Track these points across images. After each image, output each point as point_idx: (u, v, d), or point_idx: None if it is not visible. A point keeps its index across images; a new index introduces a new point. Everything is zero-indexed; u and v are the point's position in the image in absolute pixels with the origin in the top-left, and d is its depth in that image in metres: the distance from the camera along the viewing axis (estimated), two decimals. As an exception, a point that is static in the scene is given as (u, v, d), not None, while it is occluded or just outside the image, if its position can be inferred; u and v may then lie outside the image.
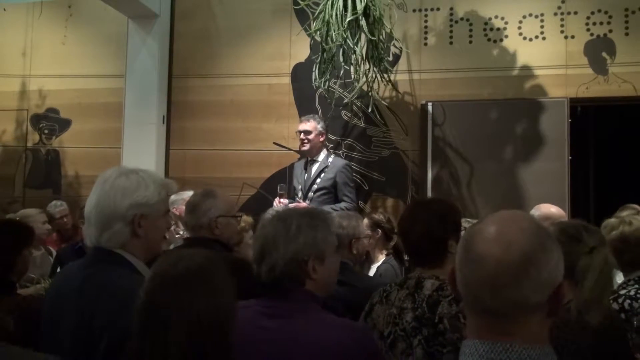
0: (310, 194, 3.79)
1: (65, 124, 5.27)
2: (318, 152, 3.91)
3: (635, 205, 3.95)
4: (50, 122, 5.29)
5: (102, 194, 1.42)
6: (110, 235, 1.41)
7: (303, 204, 3.62)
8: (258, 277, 1.37)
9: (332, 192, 3.78)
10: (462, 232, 1.54)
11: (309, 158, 3.92)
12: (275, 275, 1.33)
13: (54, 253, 3.75)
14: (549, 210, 3.05)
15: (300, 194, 3.86)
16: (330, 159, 3.89)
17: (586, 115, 4.94)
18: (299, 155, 4.00)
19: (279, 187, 3.82)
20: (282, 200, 3.71)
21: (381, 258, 3.18)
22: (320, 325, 1.31)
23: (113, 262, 1.41)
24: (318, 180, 3.82)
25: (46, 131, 5.29)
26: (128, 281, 1.36)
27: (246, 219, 2.61)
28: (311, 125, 3.86)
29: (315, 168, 3.86)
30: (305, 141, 3.84)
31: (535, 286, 0.83)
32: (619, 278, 2.12)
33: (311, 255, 1.34)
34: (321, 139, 3.88)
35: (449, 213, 1.71)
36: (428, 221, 1.65)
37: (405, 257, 4.05)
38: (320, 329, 1.30)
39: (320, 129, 3.86)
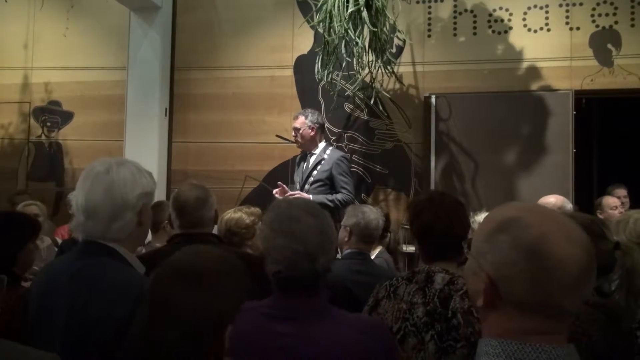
0: (307, 186, 3.79)
1: (67, 116, 5.23)
2: (314, 145, 3.88)
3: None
4: (52, 114, 5.26)
5: (110, 186, 1.39)
6: (121, 226, 1.39)
7: (302, 194, 3.62)
8: (312, 272, 1.26)
9: (328, 184, 3.77)
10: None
11: (307, 151, 3.92)
12: (325, 270, 1.28)
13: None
14: (548, 200, 3.06)
15: (297, 186, 3.86)
16: (327, 152, 3.87)
17: (591, 107, 4.90)
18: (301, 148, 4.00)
19: (289, 187, 3.87)
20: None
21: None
22: (340, 326, 1.25)
23: (105, 255, 1.39)
24: (314, 172, 3.81)
25: (49, 124, 5.26)
26: (121, 273, 1.34)
27: (255, 211, 2.59)
28: (299, 121, 3.86)
29: (312, 160, 3.86)
30: (298, 137, 3.86)
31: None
32: None
33: None
34: (312, 133, 3.84)
35: (464, 209, 1.71)
36: (452, 217, 1.63)
37: (404, 248, 4.06)
38: (340, 330, 1.23)
39: (310, 124, 3.83)
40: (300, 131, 3.83)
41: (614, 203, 3.94)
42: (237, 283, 1.14)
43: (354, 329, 1.24)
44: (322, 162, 3.82)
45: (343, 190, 3.72)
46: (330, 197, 3.65)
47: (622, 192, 4.25)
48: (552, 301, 0.80)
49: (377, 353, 1.23)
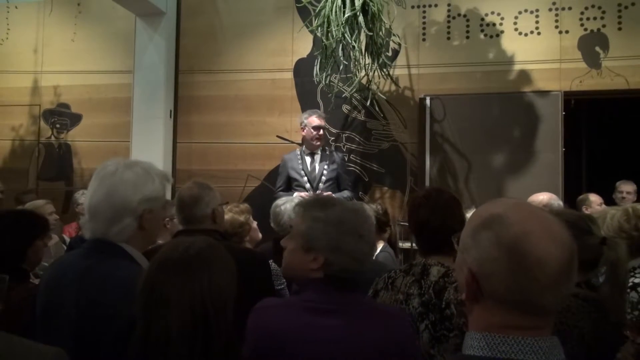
0: (321, 185, 3.83)
1: (76, 118, 5.22)
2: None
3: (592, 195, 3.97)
4: (61, 116, 5.24)
5: (112, 188, 1.35)
6: (120, 229, 1.35)
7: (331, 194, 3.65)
8: (363, 269, 1.29)
9: (336, 182, 3.88)
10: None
11: (306, 151, 3.91)
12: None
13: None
14: (537, 197, 3.05)
15: (307, 185, 3.85)
16: (326, 152, 3.96)
17: (580, 108, 4.89)
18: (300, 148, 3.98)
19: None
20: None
21: (378, 247, 3.15)
22: (377, 315, 1.28)
23: (113, 254, 1.35)
24: (325, 171, 3.86)
25: (58, 125, 5.25)
26: (130, 271, 1.30)
27: (244, 208, 2.58)
28: (324, 121, 3.94)
29: (318, 160, 3.89)
30: (322, 136, 3.91)
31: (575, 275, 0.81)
32: None
33: None
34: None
35: (460, 205, 1.69)
36: (447, 213, 1.62)
37: (400, 244, 4.04)
38: (378, 320, 1.27)
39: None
40: (323, 130, 3.92)
41: (599, 200, 3.93)
42: (224, 268, 1.14)
43: (389, 318, 1.29)
44: (328, 161, 3.88)
45: (349, 188, 3.87)
46: (345, 194, 3.78)
47: (627, 187, 4.20)
48: (531, 299, 0.78)
49: (407, 338, 1.29)
